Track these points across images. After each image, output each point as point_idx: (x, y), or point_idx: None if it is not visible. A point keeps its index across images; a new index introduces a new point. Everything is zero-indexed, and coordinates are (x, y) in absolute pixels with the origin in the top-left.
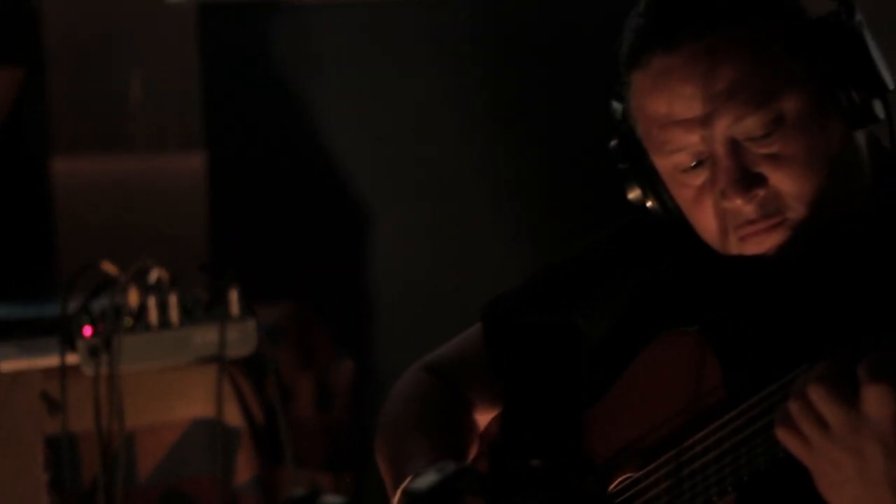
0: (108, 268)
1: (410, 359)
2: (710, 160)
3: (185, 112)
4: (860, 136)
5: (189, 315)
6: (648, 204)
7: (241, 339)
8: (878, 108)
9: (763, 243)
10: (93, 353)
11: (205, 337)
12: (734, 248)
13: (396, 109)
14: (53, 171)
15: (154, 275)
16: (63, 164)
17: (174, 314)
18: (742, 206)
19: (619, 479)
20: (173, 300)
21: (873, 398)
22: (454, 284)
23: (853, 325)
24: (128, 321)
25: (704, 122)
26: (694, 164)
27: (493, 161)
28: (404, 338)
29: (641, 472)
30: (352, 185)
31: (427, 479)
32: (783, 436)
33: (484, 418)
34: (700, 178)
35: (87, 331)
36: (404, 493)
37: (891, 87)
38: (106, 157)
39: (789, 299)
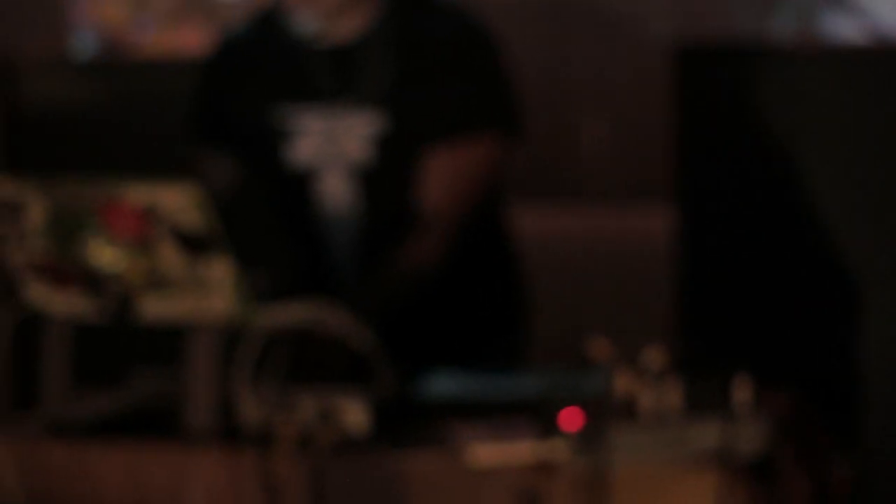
0: (597, 346)
1: None
2: None
3: (653, 161)
4: None
5: (688, 406)
6: None
7: (745, 437)
8: None
9: None
10: (581, 445)
11: (701, 433)
12: None
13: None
14: None
15: (650, 358)
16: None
17: (672, 404)
18: None
19: None
20: (672, 388)
21: None
22: None
23: None
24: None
25: None
26: None
27: None
28: None
29: None
30: (842, 253)
31: None
32: None
33: None
34: None
35: (574, 418)
36: None
37: None
38: (559, 207)
39: None
